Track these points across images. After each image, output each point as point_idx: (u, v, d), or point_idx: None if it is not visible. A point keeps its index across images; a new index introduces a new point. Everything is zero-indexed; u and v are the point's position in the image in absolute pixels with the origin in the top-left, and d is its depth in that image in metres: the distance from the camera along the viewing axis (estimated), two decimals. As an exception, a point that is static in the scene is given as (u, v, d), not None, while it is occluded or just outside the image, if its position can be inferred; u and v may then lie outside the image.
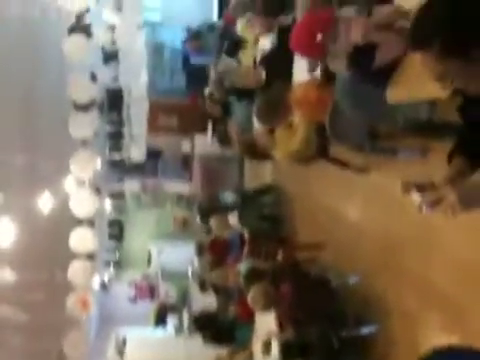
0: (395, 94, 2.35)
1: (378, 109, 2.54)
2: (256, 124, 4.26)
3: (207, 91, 6.38)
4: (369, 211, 3.99)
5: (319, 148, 3.56)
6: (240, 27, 4.82)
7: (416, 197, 1.52)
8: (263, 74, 4.05)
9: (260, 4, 4.13)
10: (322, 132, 3.24)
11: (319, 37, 2.33)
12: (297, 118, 3.36)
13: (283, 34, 3.60)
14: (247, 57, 5.37)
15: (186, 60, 9.31)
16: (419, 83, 2.05)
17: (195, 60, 9.05)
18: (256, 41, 4.70)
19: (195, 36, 6.95)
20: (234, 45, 5.87)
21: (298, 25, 2.54)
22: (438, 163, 1.71)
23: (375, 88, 2.37)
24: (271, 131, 3.77)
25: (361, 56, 2.27)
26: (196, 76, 9.12)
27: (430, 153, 3.01)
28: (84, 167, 5.09)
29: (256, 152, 4.41)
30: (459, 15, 1.30)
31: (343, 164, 3.86)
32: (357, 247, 4.13)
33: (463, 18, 1.29)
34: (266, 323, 4.10)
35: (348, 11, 2.46)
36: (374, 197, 3.87)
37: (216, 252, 5.90)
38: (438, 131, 2.64)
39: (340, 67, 2.47)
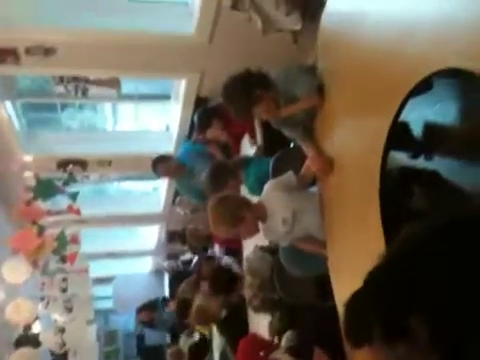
0: None
1: None
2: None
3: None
4: None
5: None
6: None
7: None
8: None
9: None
10: None
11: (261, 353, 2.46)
12: None
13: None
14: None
15: (141, 342, 9.08)
16: None
17: (150, 340, 8.83)
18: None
19: (148, 307, 6.93)
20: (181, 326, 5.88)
21: (241, 346, 2.69)
22: None
23: None
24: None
25: None
26: (152, 357, 8.79)
27: None
28: None
29: None
30: (388, 295, 1.25)
31: None
32: None
33: (393, 296, 1.25)
34: None
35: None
36: None
37: None
38: None
39: None
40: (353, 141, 2.40)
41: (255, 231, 2.55)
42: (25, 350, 4.01)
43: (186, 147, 4.93)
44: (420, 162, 2.46)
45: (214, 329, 4.87)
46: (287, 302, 2.76)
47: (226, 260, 4.76)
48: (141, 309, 6.93)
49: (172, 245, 7.56)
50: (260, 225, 2.56)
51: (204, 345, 5.30)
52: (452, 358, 1.34)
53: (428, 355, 1.31)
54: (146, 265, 10.09)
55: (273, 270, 2.92)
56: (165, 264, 8.22)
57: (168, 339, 7.79)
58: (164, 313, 6.86)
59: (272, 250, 3.10)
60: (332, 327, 2.28)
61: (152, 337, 8.60)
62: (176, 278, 7.54)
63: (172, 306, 6.38)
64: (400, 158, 2.47)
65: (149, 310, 6.89)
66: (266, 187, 2.61)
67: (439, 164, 2.39)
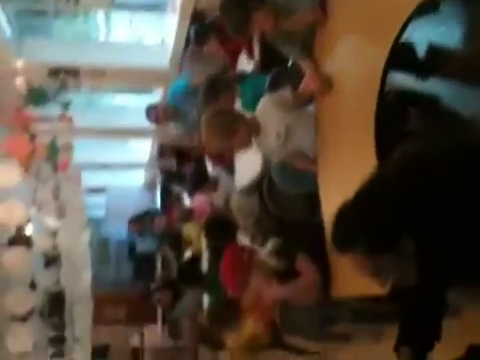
0: (336, 292, 2.38)
1: (324, 303, 2.57)
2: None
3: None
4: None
5: (273, 337, 3.52)
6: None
7: None
8: None
9: None
10: (274, 325, 3.24)
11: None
12: (250, 322, 3.38)
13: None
14: (194, 244, 5.49)
15: (132, 249, 9.35)
16: (356, 281, 2.08)
17: (141, 247, 9.09)
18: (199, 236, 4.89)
19: (137, 219, 7.09)
20: (174, 241, 6.02)
21: (226, 253, 2.76)
22: (391, 348, 1.60)
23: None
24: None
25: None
26: (143, 264, 9.09)
27: (384, 336, 2.93)
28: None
29: (213, 340, 4.29)
30: (378, 208, 1.28)
31: (299, 351, 3.77)
32: None
33: (383, 210, 1.27)
34: None
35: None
36: None
37: None
38: (385, 319, 2.65)
39: None
40: (353, 61, 2.33)
41: (248, 144, 2.53)
42: (18, 249, 4.10)
43: (174, 89, 4.83)
44: (419, 85, 2.40)
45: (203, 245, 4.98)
46: (278, 221, 2.81)
47: (217, 172, 4.79)
48: (132, 220, 7.06)
49: (164, 160, 7.55)
50: (253, 139, 2.54)
51: (195, 265, 5.40)
52: (431, 275, 1.38)
53: (409, 270, 1.35)
54: (139, 179, 10.16)
55: (262, 203, 2.95)
56: (158, 179, 8.27)
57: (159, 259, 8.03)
58: (153, 223, 7.01)
59: (254, 188, 3.11)
60: (317, 238, 2.35)
61: (143, 245, 8.84)
62: (167, 191, 7.62)
63: (159, 224, 6.49)
64: (399, 80, 2.40)
65: (139, 221, 7.02)
66: (262, 101, 2.56)
67: (438, 88, 2.34)
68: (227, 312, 3.22)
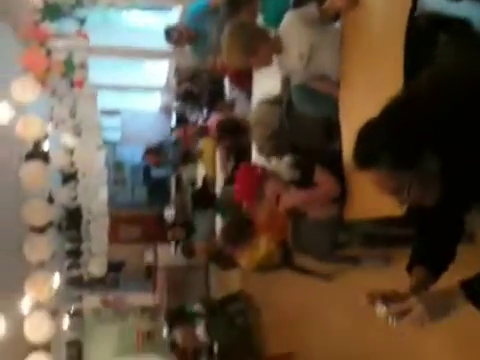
0: (350, 214, 2.38)
1: (336, 225, 2.57)
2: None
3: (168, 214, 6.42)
4: (339, 319, 3.85)
5: (284, 257, 3.58)
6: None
7: (381, 309, 1.40)
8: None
9: None
10: (286, 244, 3.29)
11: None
12: (262, 240, 3.42)
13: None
14: (207, 164, 5.52)
15: (147, 174, 9.46)
16: (372, 203, 2.07)
17: (156, 173, 9.20)
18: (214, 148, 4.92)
19: (154, 150, 7.13)
20: (184, 156, 6.06)
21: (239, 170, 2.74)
22: (403, 271, 1.60)
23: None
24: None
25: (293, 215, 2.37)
26: (158, 188, 9.24)
27: (394, 260, 2.97)
28: (40, 289, 4.83)
29: (224, 260, 4.40)
30: (405, 125, 1.26)
31: (308, 272, 3.83)
32: (329, 355, 3.97)
33: (410, 126, 1.25)
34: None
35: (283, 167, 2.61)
36: (343, 305, 3.73)
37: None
38: (397, 242, 2.66)
39: None
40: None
41: (269, 62, 2.44)
42: (35, 163, 4.13)
43: (194, 9, 4.64)
44: (452, 8, 2.28)
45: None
46: (294, 142, 2.76)
47: (235, 95, 4.71)
48: (147, 152, 7.09)
49: (181, 84, 7.41)
50: (274, 57, 2.44)
51: (207, 192, 5.44)
52: (452, 194, 1.35)
53: (431, 188, 1.32)
54: (155, 103, 10.05)
55: (281, 120, 2.87)
56: (174, 104, 8.18)
57: (173, 181, 8.11)
58: (169, 153, 7.04)
59: (277, 101, 3.02)
60: (333, 164, 2.31)
61: (158, 171, 8.92)
62: (182, 117, 7.56)
63: (178, 134, 6.51)
64: (431, 2, 2.27)
65: (155, 153, 7.06)
66: (285, 18, 2.43)
67: (470, 12, 2.23)
68: (241, 231, 3.27)
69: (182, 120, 7.50)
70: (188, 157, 6.18)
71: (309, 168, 2.42)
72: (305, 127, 2.65)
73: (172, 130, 7.56)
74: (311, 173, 2.39)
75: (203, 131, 5.53)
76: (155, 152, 7.12)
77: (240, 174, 2.79)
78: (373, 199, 1.93)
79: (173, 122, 8.37)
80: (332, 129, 2.53)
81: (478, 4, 2.22)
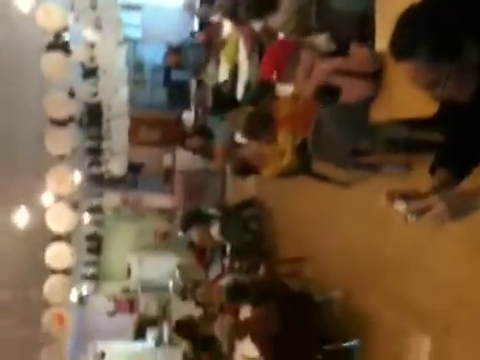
0: (377, 115, 2.29)
1: (360, 128, 2.49)
2: (240, 139, 4.27)
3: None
4: (353, 227, 3.91)
5: (303, 163, 3.54)
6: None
7: (401, 206, 1.37)
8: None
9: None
10: (305, 148, 3.27)
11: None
12: (281, 135, 3.37)
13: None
14: (228, 57, 5.37)
15: (167, 75, 9.31)
16: (402, 102, 2.01)
17: (176, 75, 9.05)
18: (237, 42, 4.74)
19: (175, 51, 6.95)
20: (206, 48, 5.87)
21: (266, 52, 2.61)
22: (423, 177, 1.57)
23: (357, 110, 2.36)
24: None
25: (325, 96, 2.28)
26: (178, 91, 9.13)
27: (414, 167, 2.94)
28: (62, 182, 4.98)
29: (246, 168, 4.41)
30: (445, 12, 1.20)
31: (326, 179, 3.82)
32: (340, 262, 4.06)
33: (451, 14, 1.20)
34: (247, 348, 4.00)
35: (319, 40, 2.47)
36: (358, 213, 3.78)
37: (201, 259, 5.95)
38: (419, 148, 2.59)
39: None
40: None
41: None
42: (56, 54, 4.08)
43: None
44: None
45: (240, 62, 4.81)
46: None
47: None
48: (168, 53, 6.88)
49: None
50: None
51: (229, 84, 5.33)
52: None
53: (468, 82, 1.26)
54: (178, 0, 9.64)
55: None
56: (197, 9, 7.83)
57: (193, 82, 7.96)
58: (190, 54, 6.84)
59: None
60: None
61: (178, 73, 8.76)
62: (204, 23, 7.27)
63: (201, 37, 6.31)
64: None
65: (176, 53, 6.85)
66: None
67: None
68: (263, 124, 3.23)
69: (205, 24, 7.24)
70: (210, 51, 5.99)
71: (345, 42, 2.31)
72: (339, 22, 2.51)
73: (193, 34, 7.29)
74: (347, 46, 2.28)
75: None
76: (176, 53, 6.94)
77: (273, 45, 2.65)
78: (404, 97, 1.87)
79: (195, 23, 8.08)
80: (367, 27, 2.39)
81: None
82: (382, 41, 2.17)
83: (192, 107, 7.89)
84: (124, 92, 6.83)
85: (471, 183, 1.50)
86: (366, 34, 2.45)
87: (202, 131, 5.90)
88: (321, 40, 2.42)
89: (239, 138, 4.24)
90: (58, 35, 4.27)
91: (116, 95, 6.23)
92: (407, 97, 1.78)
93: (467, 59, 1.21)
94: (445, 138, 1.59)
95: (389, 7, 2.17)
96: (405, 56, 1.26)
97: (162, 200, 9.29)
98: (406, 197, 1.39)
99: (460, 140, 1.52)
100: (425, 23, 1.22)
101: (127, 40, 7.89)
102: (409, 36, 1.24)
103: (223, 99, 5.36)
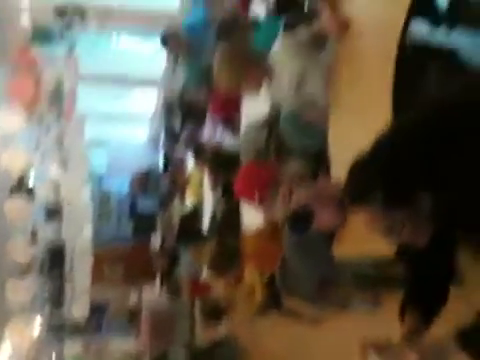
0: (341, 250, 2.41)
1: (325, 262, 2.60)
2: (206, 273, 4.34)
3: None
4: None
5: (273, 300, 3.58)
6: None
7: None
8: None
9: None
10: (273, 284, 3.35)
11: (256, 195, 2.57)
12: (248, 271, 3.47)
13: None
14: (193, 192, 5.62)
15: (133, 207, 9.55)
16: (364, 240, 2.16)
17: (142, 206, 9.28)
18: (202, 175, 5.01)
19: (142, 175, 7.27)
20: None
21: (241, 172, 2.77)
22: (392, 313, 1.63)
23: (321, 243, 2.46)
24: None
25: (299, 221, 2.45)
26: (144, 222, 9.31)
27: (383, 303, 2.93)
28: (21, 336, 4.88)
29: (218, 311, 4.38)
30: (399, 162, 1.27)
31: (296, 315, 3.82)
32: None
33: (404, 164, 1.26)
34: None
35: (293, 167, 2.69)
36: (330, 350, 3.75)
37: None
38: (387, 285, 2.66)
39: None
40: (374, 5, 2.36)
41: (259, 87, 2.57)
42: (19, 199, 4.24)
43: (189, 23, 4.80)
44: (441, 38, 2.41)
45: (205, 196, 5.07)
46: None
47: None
48: (135, 178, 7.22)
49: (170, 118, 7.61)
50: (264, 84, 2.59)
51: (195, 216, 5.55)
52: (445, 230, 1.37)
53: (423, 228, 1.34)
54: (142, 134, 10.23)
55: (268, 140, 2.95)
56: (161, 135, 8.35)
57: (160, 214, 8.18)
58: (157, 179, 7.18)
59: (267, 123, 3.10)
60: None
61: (145, 204, 9.01)
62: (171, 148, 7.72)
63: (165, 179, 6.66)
64: (421, 31, 2.42)
65: (143, 177, 7.19)
66: (277, 43, 2.55)
67: (461, 41, 2.34)
68: (229, 260, 3.33)
69: (169, 158, 7.67)
70: (176, 188, 6.29)
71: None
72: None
73: (158, 175, 7.66)
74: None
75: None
76: (143, 177, 7.27)
77: (249, 166, 2.78)
78: (363, 236, 1.98)
79: (160, 157, 8.53)
80: (320, 161, 2.62)
81: (468, 34, 2.39)
82: (338, 177, 2.37)
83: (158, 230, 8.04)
84: (88, 230, 6.95)
85: (440, 327, 1.57)
86: (321, 169, 2.67)
87: (168, 254, 5.94)
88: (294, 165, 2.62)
89: (205, 274, 4.32)
90: (22, 178, 4.48)
91: (80, 234, 6.34)
92: (365, 236, 1.89)
93: (420, 207, 1.27)
94: (409, 279, 1.66)
95: (342, 143, 2.43)
96: (359, 202, 1.35)
97: (127, 343, 8.96)
98: (379, 349, 1.45)
99: (423, 281, 1.59)
100: (376, 171, 1.30)
101: (93, 176, 8.22)
102: (362, 183, 1.33)
103: (190, 230, 5.53)
